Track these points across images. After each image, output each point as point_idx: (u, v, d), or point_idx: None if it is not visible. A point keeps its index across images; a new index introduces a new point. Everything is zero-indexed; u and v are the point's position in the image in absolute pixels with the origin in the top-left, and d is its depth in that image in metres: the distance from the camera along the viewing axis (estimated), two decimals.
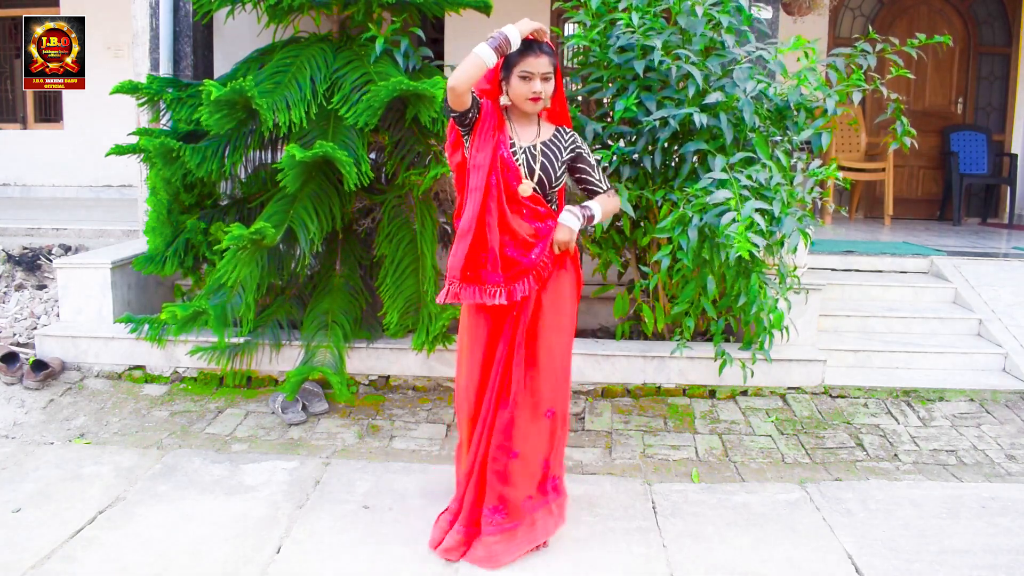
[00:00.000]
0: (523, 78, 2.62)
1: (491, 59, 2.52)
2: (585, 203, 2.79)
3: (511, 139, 2.70)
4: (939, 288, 5.12)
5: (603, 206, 2.82)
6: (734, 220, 3.21)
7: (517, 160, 2.68)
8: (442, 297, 2.72)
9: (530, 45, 2.61)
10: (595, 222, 2.80)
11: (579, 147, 2.81)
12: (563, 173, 2.79)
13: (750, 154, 3.61)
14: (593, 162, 2.84)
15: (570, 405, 2.91)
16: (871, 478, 3.40)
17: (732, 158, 3.54)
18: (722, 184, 3.39)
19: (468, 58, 2.50)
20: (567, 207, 2.75)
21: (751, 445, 3.68)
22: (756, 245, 3.18)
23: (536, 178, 2.70)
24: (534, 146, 2.72)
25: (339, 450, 3.57)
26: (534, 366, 2.71)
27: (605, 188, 2.85)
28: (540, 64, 2.60)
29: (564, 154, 2.77)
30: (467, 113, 2.60)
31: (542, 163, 2.71)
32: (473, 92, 2.58)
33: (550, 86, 2.66)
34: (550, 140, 2.76)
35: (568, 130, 2.83)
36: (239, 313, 3.82)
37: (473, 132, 2.66)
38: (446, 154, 2.84)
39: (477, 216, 2.63)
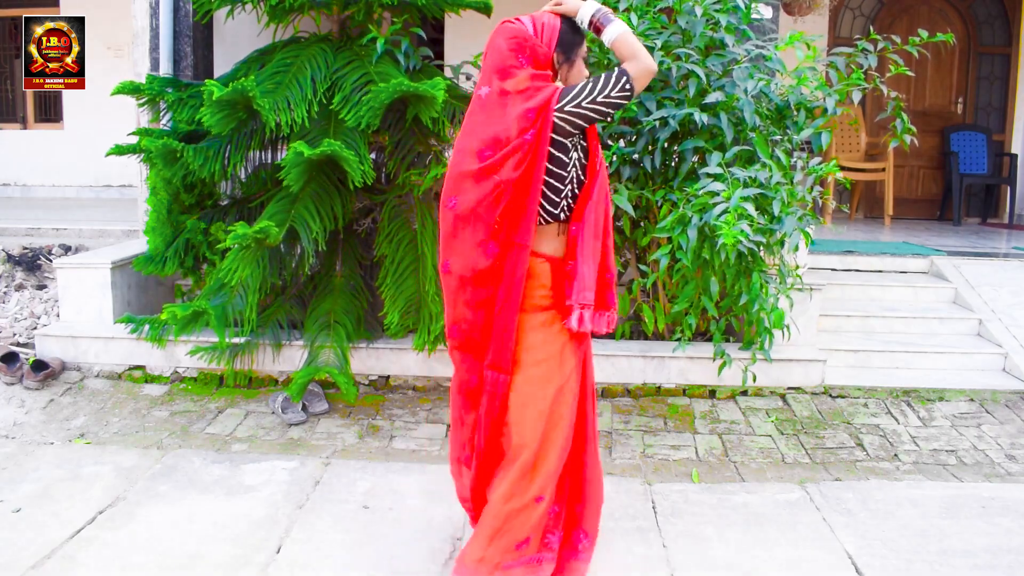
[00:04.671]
0: (586, 62, 2.39)
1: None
2: None
3: None
4: (939, 288, 5.12)
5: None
6: (724, 211, 3.21)
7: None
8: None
9: (579, 27, 2.32)
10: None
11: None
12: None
13: (746, 147, 3.61)
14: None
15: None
16: (871, 478, 3.40)
17: (729, 152, 3.55)
18: (718, 179, 3.39)
19: (628, 33, 2.23)
20: None
21: (751, 445, 3.68)
22: (744, 232, 3.17)
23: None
24: None
25: (339, 450, 3.57)
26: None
27: None
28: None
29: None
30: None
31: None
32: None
33: None
34: None
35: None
36: (240, 313, 3.82)
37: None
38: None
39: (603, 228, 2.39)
